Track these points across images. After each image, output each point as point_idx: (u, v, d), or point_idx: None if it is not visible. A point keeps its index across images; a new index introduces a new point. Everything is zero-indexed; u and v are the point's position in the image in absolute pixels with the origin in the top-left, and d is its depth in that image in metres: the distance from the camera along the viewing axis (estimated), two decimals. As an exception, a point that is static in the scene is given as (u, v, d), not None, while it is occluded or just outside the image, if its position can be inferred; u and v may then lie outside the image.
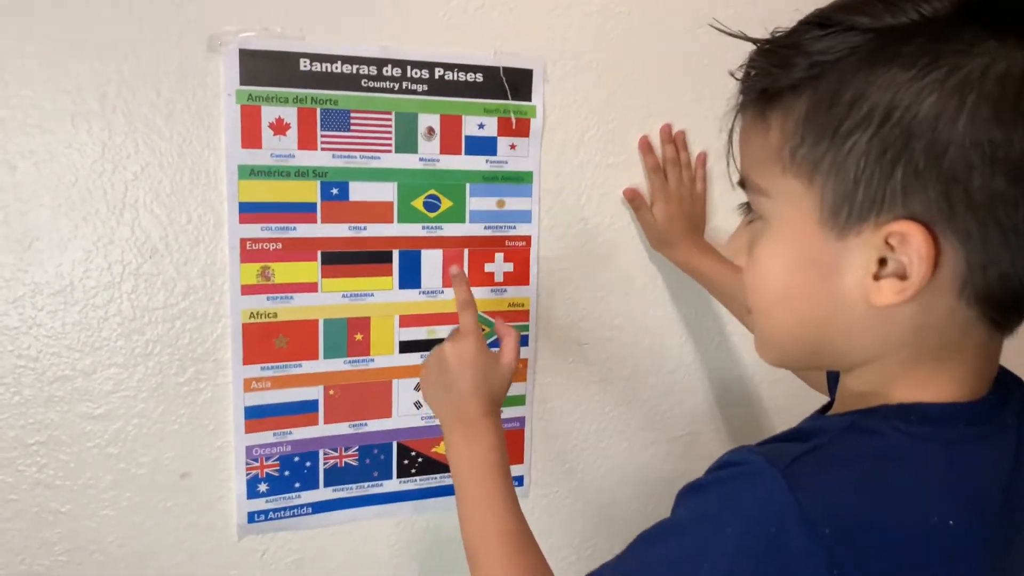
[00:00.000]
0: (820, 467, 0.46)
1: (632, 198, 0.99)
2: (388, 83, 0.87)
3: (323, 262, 0.88)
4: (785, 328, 0.52)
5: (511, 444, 1.00)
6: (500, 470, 0.70)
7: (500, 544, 0.66)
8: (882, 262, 0.45)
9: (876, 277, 0.46)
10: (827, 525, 0.43)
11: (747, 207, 0.54)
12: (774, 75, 0.47)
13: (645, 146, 0.99)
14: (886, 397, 0.49)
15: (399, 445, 0.95)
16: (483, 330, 0.93)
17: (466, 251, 0.94)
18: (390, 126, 0.88)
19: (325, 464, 0.92)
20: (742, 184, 0.53)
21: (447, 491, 0.98)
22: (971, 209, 0.42)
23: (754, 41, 0.50)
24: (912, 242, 0.43)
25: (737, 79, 0.51)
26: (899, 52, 0.43)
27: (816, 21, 0.46)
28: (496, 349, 0.78)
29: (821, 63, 0.45)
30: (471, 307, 0.78)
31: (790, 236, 0.49)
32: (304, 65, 0.83)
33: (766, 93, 0.48)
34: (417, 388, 0.94)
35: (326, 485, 0.93)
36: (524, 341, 0.98)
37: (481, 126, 0.92)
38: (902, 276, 0.44)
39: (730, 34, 0.52)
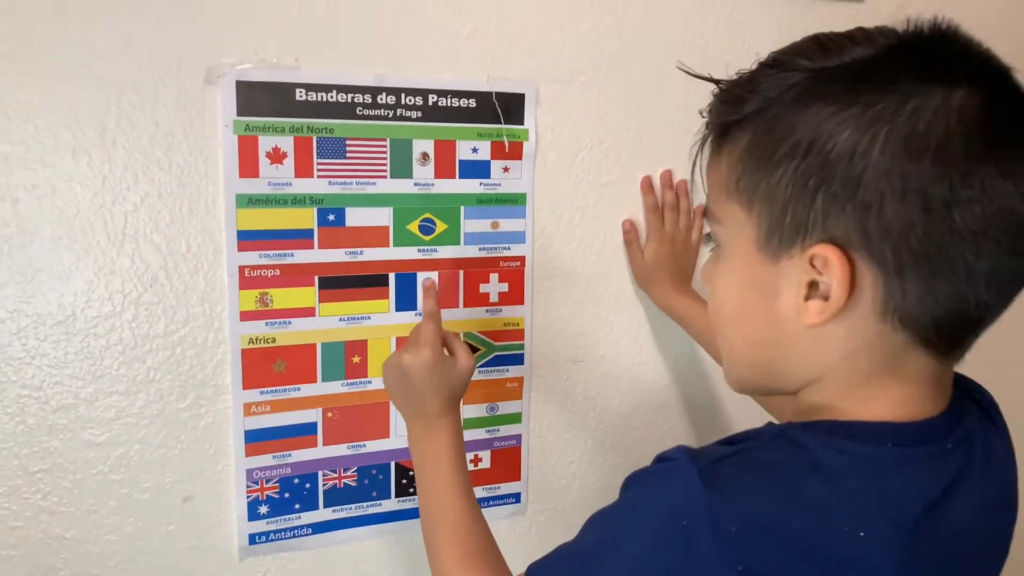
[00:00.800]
0: (738, 469, 0.49)
1: (626, 231, 1.01)
2: (383, 110, 0.88)
3: (320, 287, 0.89)
4: (738, 348, 0.56)
5: (508, 462, 1.02)
6: (456, 464, 0.74)
7: (455, 536, 0.70)
8: (813, 285, 0.48)
9: (807, 298, 0.49)
10: (734, 523, 0.46)
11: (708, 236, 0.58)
12: (726, 112, 0.52)
13: (646, 186, 1.01)
14: (828, 413, 0.52)
15: (397, 465, 0.96)
16: (477, 350, 0.95)
17: (461, 272, 0.95)
18: (385, 152, 0.89)
19: (324, 485, 0.93)
20: (705, 213, 0.57)
21: (446, 509, 0.99)
22: (885, 235, 0.45)
23: (716, 82, 0.54)
24: (831, 265, 0.47)
25: (703, 116, 0.55)
26: (826, 90, 0.47)
27: (768, 62, 0.51)
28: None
29: (764, 99, 0.50)
30: (435, 319, 0.79)
31: (737, 260, 0.53)
32: (300, 95, 0.85)
33: (720, 128, 0.53)
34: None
35: (326, 506, 0.94)
36: (520, 360, 1.00)
37: (475, 150, 0.93)
38: (827, 298, 0.48)
39: (697, 76, 0.57)
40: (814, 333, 0.50)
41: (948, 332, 0.48)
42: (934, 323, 0.48)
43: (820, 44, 0.49)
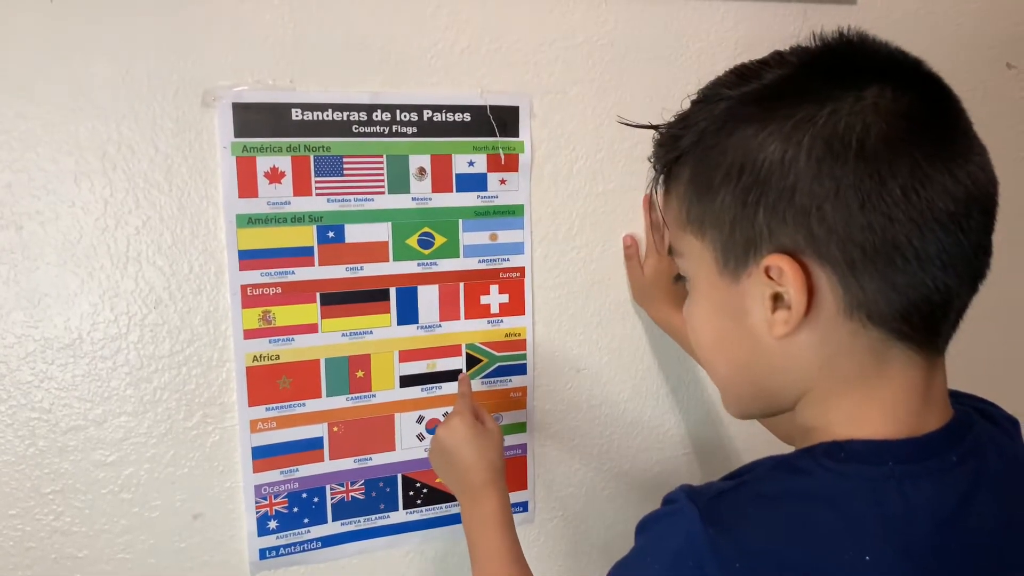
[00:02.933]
0: (739, 503, 0.49)
1: (627, 246, 1.02)
2: (378, 127, 0.90)
3: (322, 303, 0.90)
4: (726, 375, 0.57)
5: (514, 471, 1.02)
6: (503, 531, 0.77)
7: None
8: (779, 298, 0.49)
9: (773, 311, 0.50)
10: (737, 560, 0.46)
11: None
12: (666, 152, 0.55)
13: (647, 204, 1.02)
14: (826, 432, 0.52)
15: (404, 477, 0.97)
16: (481, 360, 0.96)
17: (462, 285, 0.96)
18: (382, 168, 0.90)
19: (332, 499, 0.94)
20: (670, 251, 0.59)
21: (453, 520, 1.00)
22: (829, 236, 0.46)
23: (655, 128, 0.57)
24: (786, 273, 0.48)
25: (650, 163, 0.58)
26: (748, 112, 0.49)
27: (697, 98, 0.54)
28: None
29: (699, 132, 0.52)
30: (467, 398, 0.87)
31: (705, 289, 0.55)
32: (296, 115, 0.86)
33: (664, 168, 0.56)
34: (419, 421, 0.97)
35: (334, 519, 0.95)
36: (523, 370, 1.01)
37: (471, 163, 0.94)
38: (791, 307, 0.48)
39: (636, 126, 0.61)
40: (788, 345, 0.50)
41: (919, 321, 0.48)
42: (901, 314, 0.48)
43: (739, 73, 0.52)
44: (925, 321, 0.49)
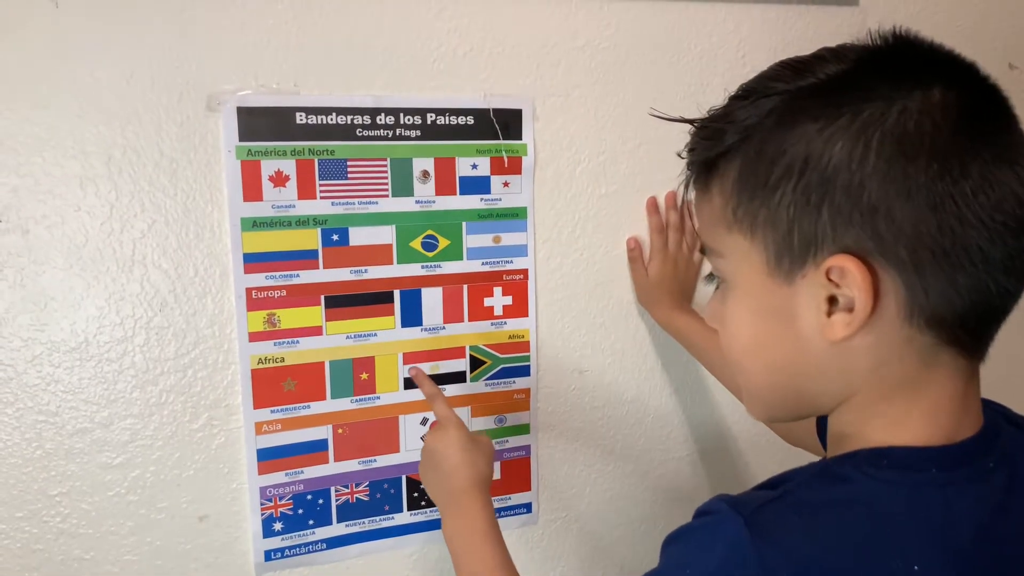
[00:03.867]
0: (784, 514, 0.48)
1: (631, 248, 1.02)
2: (382, 131, 0.90)
3: (326, 306, 0.91)
4: (761, 378, 0.55)
5: (518, 472, 1.03)
6: (490, 539, 0.74)
7: None
8: (833, 300, 0.48)
9: (829, 314, 0.48)
10: (785, 570, 0.45)
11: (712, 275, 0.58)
12: (708, 147, 0.52)
13: (651, 207, 1.02)
14: (863, 438, 0.51)
15: (408, 479, 0.98)
16: (484, 362, 0.96)
17: (465, 287, 0.97)
18: (386, 172, 0.91)
19: (337, 501, 0.95)
20: (702, 250, 0.56)
21: (457, 521, 1.00)
22: (898, 237, 0.45)
23: (690, 122, 0.55)
24: (850, 274, 0.46)
25: (683, 158, 0.56)
26: (807, 108, 0.48)
27: (740, 94, 0.52)
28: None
29: (746, 127, 0.50)
30: (439, 398, 0.85)
31: (747, 290, 0.53)
32: (300, 118, 0.87)
33: (704, 165, 0.53)
34: (423, 423, 0.97)
35: (339, 521, 0.95)
36: (526, 372, 1.01)
37: (474, 166, 0.94)
38: (851, 309, 0.47)
39: (670, 119, 0.57)
40: (841, 349, 0.49)
41: (974, 326, 0.48)
42: (960, 318, 0.47)
43: (791, 67, 0.50)
44: (980, 325, 0.48)
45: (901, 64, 0.48)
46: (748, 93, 0.51)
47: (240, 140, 0.85)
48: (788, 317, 0.50)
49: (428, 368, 0.96)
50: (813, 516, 0.47)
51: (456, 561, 0.75)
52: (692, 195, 0.56)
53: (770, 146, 0.48)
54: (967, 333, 0.48)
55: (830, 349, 0.49)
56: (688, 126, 0.55)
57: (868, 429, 0.51)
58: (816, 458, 0.59)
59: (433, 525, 0.99)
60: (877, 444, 0.50)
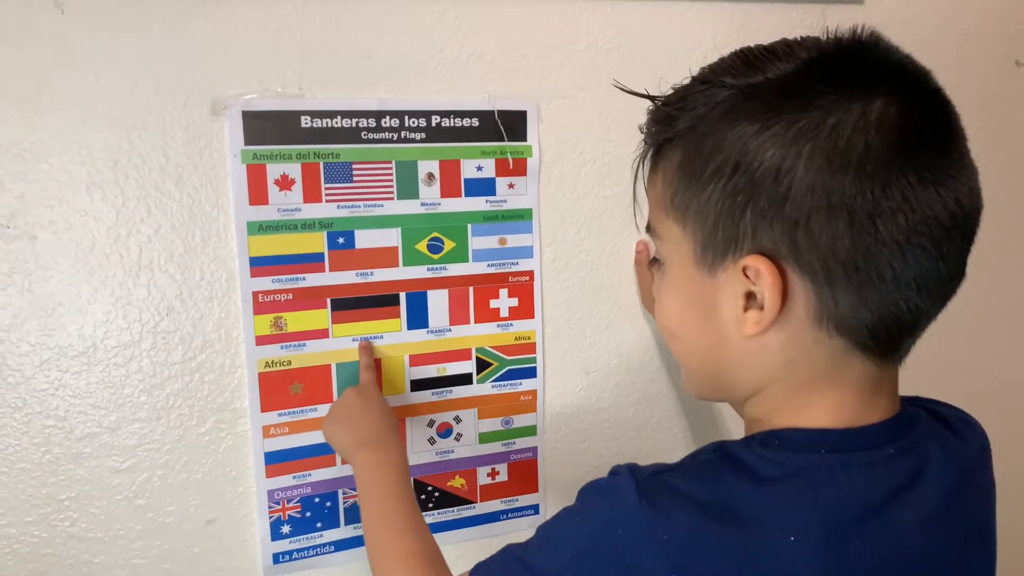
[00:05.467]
0: (674, 484, 0.51)
1: (639, 252, 1.02)
2: (387, 133, 0.90)
3: (333, 309, 0.91)
4: (688, 359, 0.58)
5: (525, 474, 1.03)
6: (406, 484, 0.77)
7: (411, 560, 0.70)
8: (751, 296, 0.50)
9: (745, 309, 0.50)
10: (665, 533, 0.48)
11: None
12: (658, 131, 0.54)
13: None
14: (767, 423, 0.53)
15: (415, 481, 0.98)
16: (491, 364, 0.96)
17: (471, 289, 0.97)
18: (391, 174, 0.91)
19: (345, 503, 0.95)
20: (648, 229, 0.59)
21: (465, 523, 1.00)
22: (812, 248, 0.46)
23: (651, 99, 0.56)
24: (762, 275, 0.48)
25: (641, 133, 0.57)
26: (750, 107, 0.48)
27: (699, 78, 0.53)
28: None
29: (694, 117, 0.51)
30: (370, 369, 0.91)
31: (677, 274, 0.55)
32: (305, 122, 0.87)
33: (655, 146, 0.55)
34: (430, 425, 0.97)
35: (347, 523, 0.95)
36: (533, 373, 1.01)
37: (479, 168, 0.94)
38: (763, 308, 0.49)
39: (632, 93, 0.60)
40: (754, 343, 0.51)
41: (884, 337, 0.49)
42: (869, 329, 0.49)
43: (745, 59, 0.50)
44: (890, 336, 0.50)
45: (848, 71, 0.48)
46: (704, 80, 0.51)
47: (245, 144, 0.85)
48: (710, 307, 0.52)
49: (434, 371, 0.96)
50: (700, 486, 0.50)
51: (367, 499, 0.76)
52: (645, 173, 0.58)
53: (710, 140, 0.50)
54: (877, 342, 0.50)
55: (744, 343, 0.51)
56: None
57: (773, 416, 0.54)
58: None
59: (440, 527, 0.99)
60: (776, 427, 0.52)
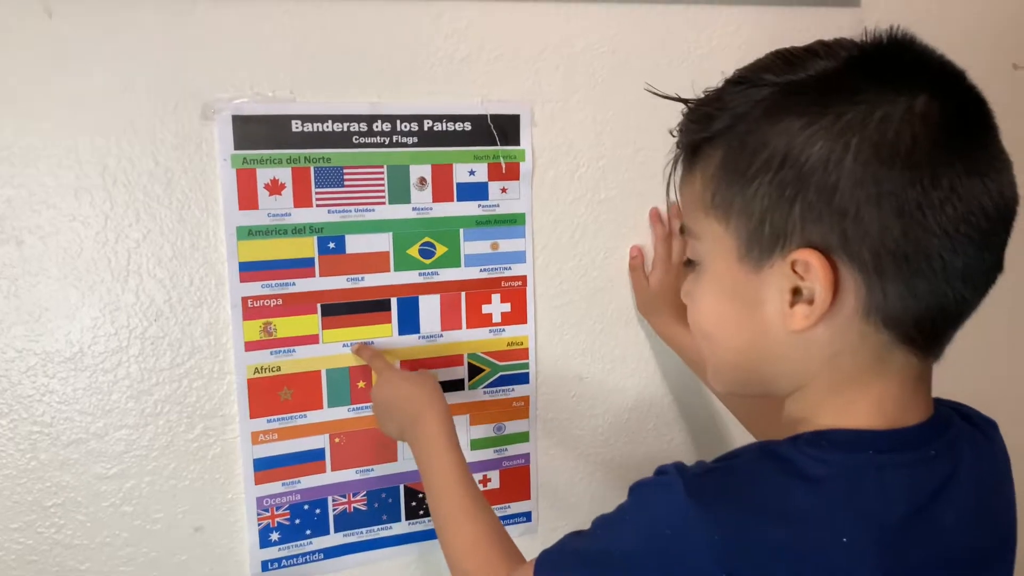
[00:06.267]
0: (723, 481, 0.51)
1: (633, 257, 1.02)
2: (379, 138, 0.89)
3: (323, 314, 0.90)
4: (725, 356, 0.58)
5: (518, 481, 1.02)
6: (453, 448, 0.77)
7: (462, 523, 0.71)
8: (797, 292, 0.50)
9: (791, 304, 0.50)
10: (717, 531, 0.48)
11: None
12: (695, 130, 0.54)
13: (655, 217, 1.02)
14: (811, 424, 0.53)
15: (406, 488, 0.97)
16: (483, 370, 0.96)
17: (463, 294, 0.96)
18: (383, 179, 0.90)
19: (334, 510, 0.94)
20: (682, 231, 0.59)
21: (456, 530, 0.99)
22: (863, 239, 0.47)
23: (684, 101, 0.56)
24: (813, 269, 0.48)
25: (673, 136, 0.57)
26: (795, 103, 0.49)
27: (734, 79, 0.53)
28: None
29: (733, 116, 0.51)
30: (378, 356, 0.90)
31: (718, 273, 0.55)
32: (296, 126, 0.86)
33: (691, 147, 0.55)
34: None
35: (336, 531, 0.95)
36: (525, 379, 1.00)
37: (472, 172, 0.94)
38: (812, 302, 0.49)
39: (665, 97, 0.58)
40: (800, 338, 0.51)
41: (929, 328, 0.50)
42: (915, 321, 0.49)
43: (784, 59, 0.51)
44: (935, 328, 0.50)
45: (890, 68, 0.49)
46: (741, 80, 0.52)
47: (235, 148, 0.84)
48: (754, 303, 0.52)
49: (426, 376, 0.96)
50: (750, 486, 0.50)
51: (425, 473, 0.77)
52: (678, 175, 0.58)
53: (753, 137, 0.50)
54: (922, 335, 0.50)
55: (790, 337, 0.51)
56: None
57: (817, 415, 0.54)
58: None
59: (431, 535, 0.98)
60: (822, 428, 0.52)
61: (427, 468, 0.76)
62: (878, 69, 0.48)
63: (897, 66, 0.49)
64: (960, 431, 0.55)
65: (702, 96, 0.55)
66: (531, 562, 0.60)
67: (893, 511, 0.49)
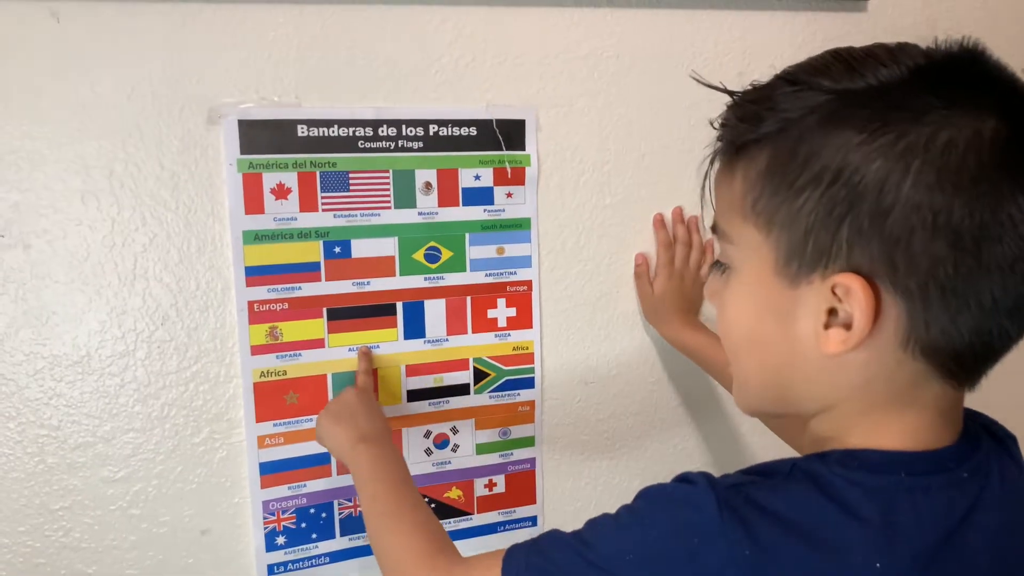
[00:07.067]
0: (754, 498, 0.49)
1: (638, 264, 1.01)
2: (384, 142, 0.90)
3: (329, 318, 0.90)
4: (752, 373, 0.55)
5: (523, 485, 1.02)
6: (406, 475, 0.76)
7: (418, 549, 0.67)
8: (833, 312, 0.47)
9: (826, 326, 0.48)
10: (748, 548, 0.46)
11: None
12: (742, 129, 0.50)
13: (658, 222, 1.01)
14: (839, 442, 0.51)
15: (412, 492, 0.97)
16: (488, 374, 0.96)
17: (468, 299, 0.96)
18: (388, 183, 0.90)
19: (340, 514, 0.94)
20: (714, 229, 0.56)
21: (462, 535, 0.99)
22: (911, 268, 0.44)
23: (730, 94, 0.52)
24: (855, 295, 0.45)
25: (715, 128, 0.53)
26: (854, 115, 0.45)
27: (786, 78, 0.49)
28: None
29: (784, 120, 0.48)
30: (368, 374, 0.91)
31: (751, 283, 0.52)
32: (302, 131, 0.86)
33: (734, 145, 0.51)
34: (427, 436, 0.97)
35: (342, 534, 0.95)
36: (531, 384, 1.00)
37: (477, 177, 0.94)
38: (848, 326, 0.47)
39: (710, 86, 0.54)
40: (832, 361, 0.49)
41: (970, 363, 0.48)
42: (956, 354, 0.47)
43: (844, 62, 0.47)
44: (976, 362, 0.48)
45: (959, 85, 0.45)
46: (795, 81, 0.48)
47: (241, 153, 0.85)
48: (786, 319, 0.50)
49: (431, 381, 0.96)
50: (781, 504, 0.48)
51: (373, 497, 0.74)
52: (715, 169, 0.54)
53: (805, 146, 0.46)
54: (961, 368, 0.48)
55: (822, 359, 0.49)
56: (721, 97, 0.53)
57: (848, 436, 0.51)
58: None
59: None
60: (852, 447, 0.50)
61: (373, 481, 0.75)
62: (946, 85, 0.45)
63: (966, 83, 0.45)
64: (989, 450, 0.53)
65: (750, 89, 0.51)
66: (489, 556, 0.57)
67: (926, 537, 0.47)
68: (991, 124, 0.44)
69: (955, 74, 0.46)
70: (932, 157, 0.43)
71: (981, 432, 0.54)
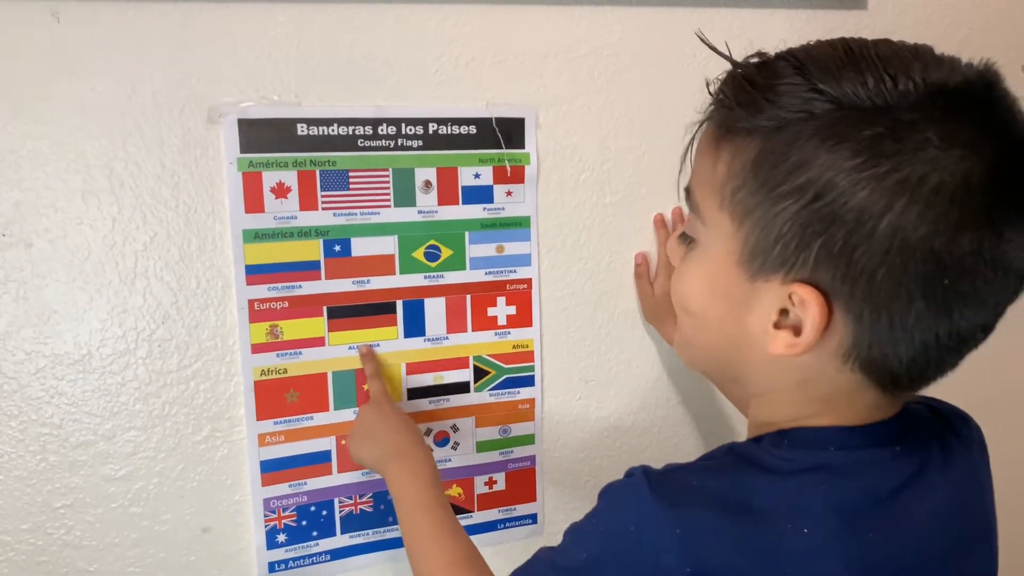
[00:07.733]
0: (686, 478, 0.52)
1: (638, 264, 1.02)
2: (384, 141, 0.90)
3: (329, 317, 0.91)
4: (697, 339, 0.58)
5: (523, 483, 1.02)
6: (436, 490, 0.77)
7: (451, 569, 0.70)
8: (784, 312, 0.49)
9: (776, 325, 0.50)
10: (679, 526, 0.49)
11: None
12: (738, 113, 0.49)
13: (659, 222, 1.02)
14: (776, 426, 0.54)
15: (412, 490, 0.97)
16: (488, 372, 0.96)
17: (468, 297, 0.96)
18: (388, 182, 0.91)
19: (341, 512, 0.95)
20: (687, 193, 0.56)
21: (462, 532, 1.00)
22: (869, 298, 0.46)
23: (734, 64, 0.51)
24: (809, 307, 0.47)
25: (710, 93, 0.52)
26: (851, 134, 0.44)
27: (794, 65, 0.47)
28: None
29: (783, 119, 0.46)
30: (378, 377, 0.90)
31: (712, 265, 0.53)
32: (301, 130, 0.87)
33: (727, 125, 0.50)
34: (427, 433, 0.97)
35: (343, 532, 0.95)
36: (531, 382, 1.00)
37: (477, 176, 0.94)
38: (796, 330, 0.48)
39: (713, 49, 0.53)
40: (775, 358, 0.51)
41: (905, 383, 0.51)
42: (892, 374, 0.49)
43: (855, 66, 0.45)
44: (912, 382, 0.51)
45: (964, 120, 0.44)
46: (801, 73, 0.46)
47: (241, 152, 0.85)
48: (739, 307, 0.52)
49: (431, 379, 0.96)
50: (712, 482, 0.51)
51: (400, 506, 0.76)
52: (701, 133, 0.54)
53: (796, 153, 0.45)
54: (896, 385, 0.51)
55: (765, 353, 0.51)
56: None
57: (782, 419, 0.54)
58: None
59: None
60: (785, 428, 0.53)
61: (406, 497, 0.76)
62: (951, 119, 0.44)
63: (971, 119, 0.44)
64: (929, 427, 0.56)
65: (753, 64, 0.49)
66: None
67: (855, 504, 0.49)
68: (982, 168, 0.43)
69: (962, 109, 0.45)
70: (918, 198, 0.43)
71: (922, 411, 0.57)
